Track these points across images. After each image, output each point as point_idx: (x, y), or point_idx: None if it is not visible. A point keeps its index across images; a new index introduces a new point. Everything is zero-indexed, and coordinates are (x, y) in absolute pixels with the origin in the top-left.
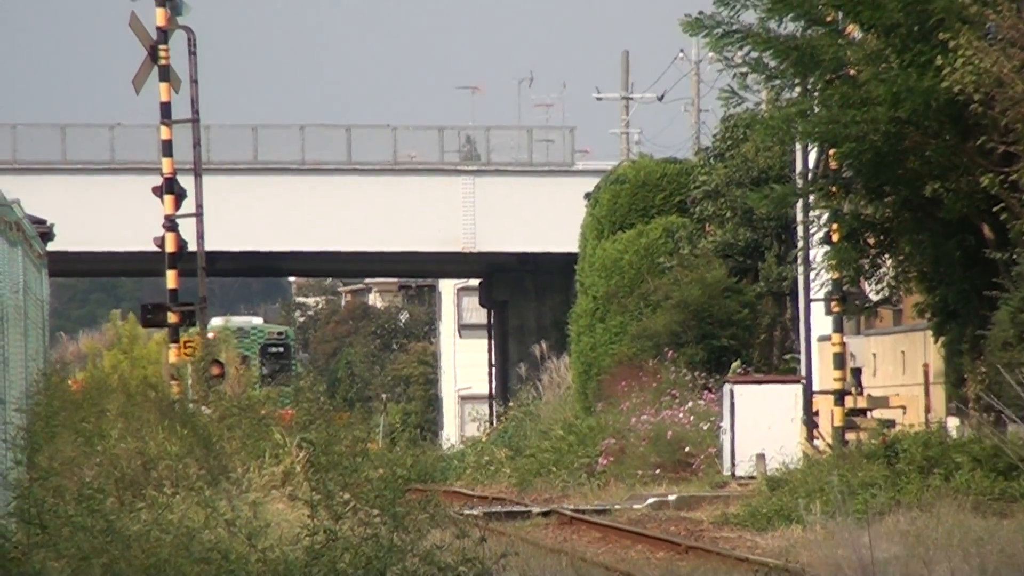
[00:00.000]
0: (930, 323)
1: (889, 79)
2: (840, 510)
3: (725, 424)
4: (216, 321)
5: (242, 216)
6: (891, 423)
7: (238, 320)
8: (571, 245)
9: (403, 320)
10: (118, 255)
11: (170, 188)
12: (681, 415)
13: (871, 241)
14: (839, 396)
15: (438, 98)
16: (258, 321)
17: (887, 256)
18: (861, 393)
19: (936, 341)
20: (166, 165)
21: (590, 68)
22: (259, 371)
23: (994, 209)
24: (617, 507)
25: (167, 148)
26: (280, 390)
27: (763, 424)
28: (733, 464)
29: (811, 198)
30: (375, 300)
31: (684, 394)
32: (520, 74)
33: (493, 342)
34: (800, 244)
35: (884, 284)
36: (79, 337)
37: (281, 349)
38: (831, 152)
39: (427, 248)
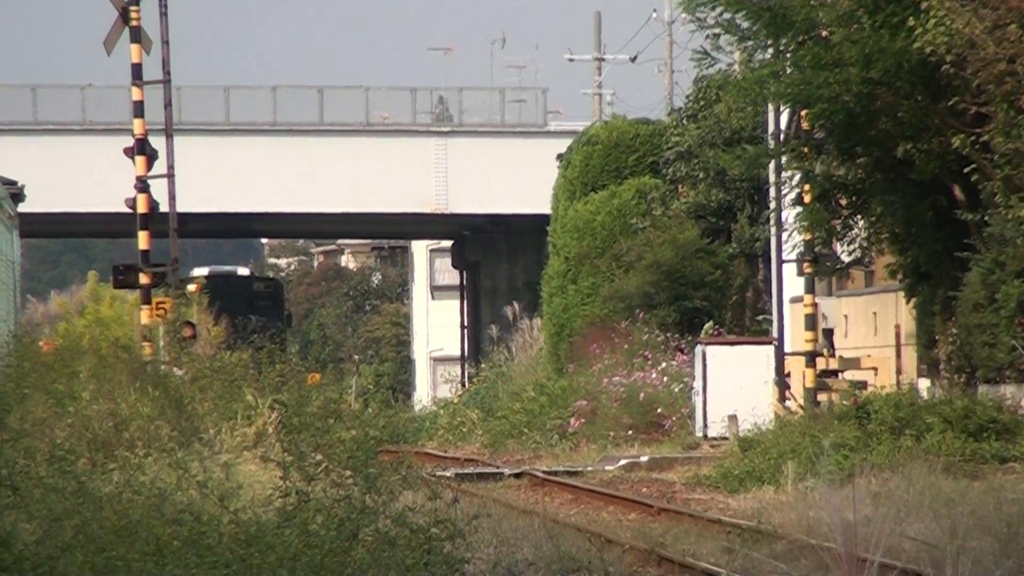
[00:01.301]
0: (902, 284)
1: (861, 40)
2: (812, 471)
3: (697, 385)
4: (200, 270)
5: (214, 177)
6: (863, 384)
7: (223, 270)
8: (543, 206)
9: (375, 281)
10: (89, 216)
11: (142, 149)
12: (653, 376)
13: (843, 202)
14: (811, 357)
15: (410, 59)
16: (245, 271)
17: (859, 217)
18: (833, 354)
19: (908, 302)
20: (137, 126)
21: (562, 29)
22: (247, 326)
23: (965, 170)
24: (589, 468)
25: (139, 109)
26: (269, 349)
27: (735, 385)
28: (705, 425)
29: (783, 159)
30: (347, 261)
31: (656, 355)
32: (492, 35)
33: (465, 303)
34: (772, 205)
35: (856, 245)
36: (49, 299)
37: (270, 302)
38: (803, 113)
39: (399, 209)
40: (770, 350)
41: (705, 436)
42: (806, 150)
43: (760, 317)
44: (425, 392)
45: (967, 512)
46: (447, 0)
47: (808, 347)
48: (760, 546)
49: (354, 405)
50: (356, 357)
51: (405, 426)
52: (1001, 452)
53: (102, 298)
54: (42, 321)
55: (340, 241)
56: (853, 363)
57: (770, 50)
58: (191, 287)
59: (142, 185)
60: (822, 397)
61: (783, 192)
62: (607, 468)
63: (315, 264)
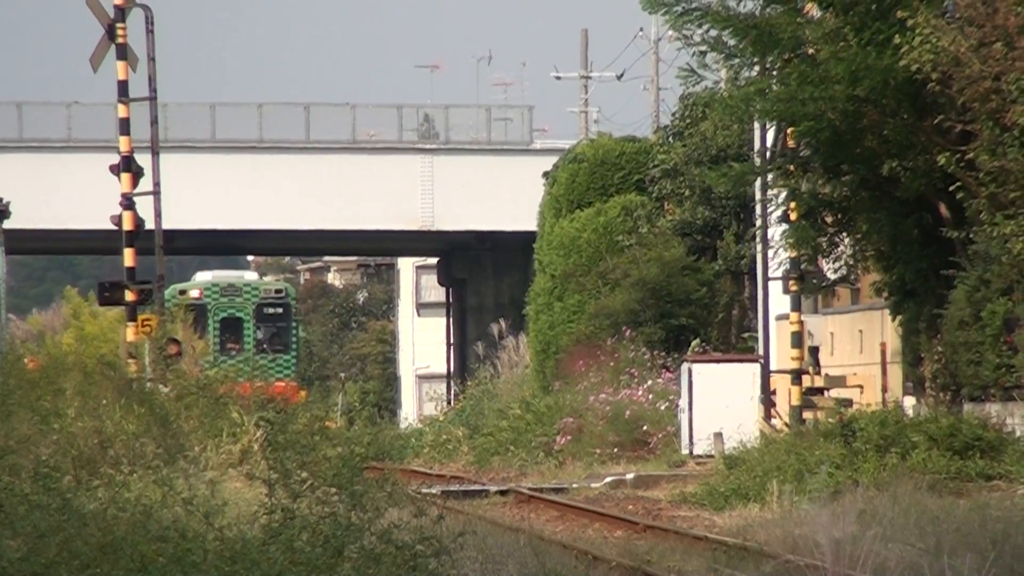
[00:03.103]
0: (887, 302)
1: (847, 57)
2: (797, 489)
3: (683, 403)
4: (203, 276)
5: (200, 194)
6: (848, 402)
7: (228, 275)
8: (530, 223)
9: (362, 299)
10: (75, 233)
11: (127, 166)
12: (639, 394)
13: (829, 220)
14: (796, 375)
15: (397, 76)
16: (252, 276)
17: (845, 235)
18: (818, 372)
19: (893, 320)
20: (123, 143)
21: (549, 47)
22: (253, 336)
23: (951, 188)
24: (575, 486)
25: (124, 126)
26: (277, 359)
27: (721, 403)
28: (691, 443)
29: (769, 177)
30: (334, 279)
31: (642, 373)
32: (479, 53)
33: (451, 321)
34: (758, 223)
35: (842, 263)
36: (29, 316)
37: (280, 310)
38: (789, 131)
39: (386, 227)
40: (756, 368)
41: (691, 454)
42: (792, 168)
43: (746, 335)
44: (411, 409)
45: (952, 529)
46: (434, 18)
47: (794, 365)
48: (746, 564)
49: (340, 422)
50: (342, 374)
51: (391, 443)
52: (986, 470)
53: (81, 314)
54: (26, 338)
55: (326, 258)
56: (839, 381)
57: (756, 68)
58: (194, 292)
59: (128, 202)
60: (808, 415)
61: (769, 210)
62: (593, 485)
63: (301, 281)
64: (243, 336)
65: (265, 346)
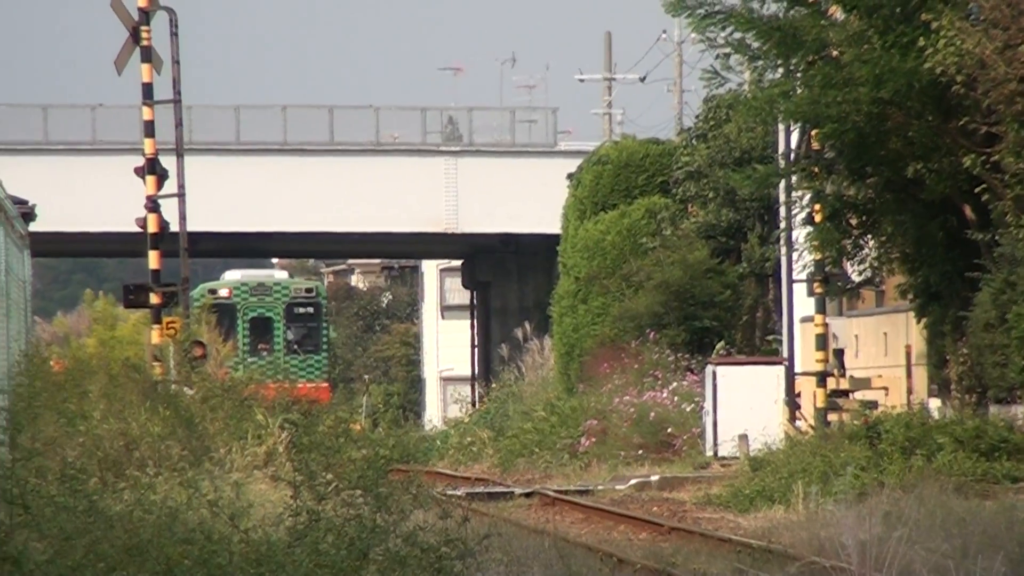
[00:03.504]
0: (912, 304)
1: (871, 60)
2: (822, 491)
3: (708, 405)
4: (232, 275)
5: (224, 197)
6: (873, 404)
7: (258, 274)
8: (554, 226)
9: (385, 301)
10: (100, 235)
11: (152, 169)
12: (664, 396)
13: (853, 222)
14: (821, 377)
15: (420, 79)
16: (283, 275)
17: (869, 237)
18: (843, 374)
19: (918, 322)
20: (148, 146)
21: (573, 49)
22: (283, 336)
23: (976, 190)
24: (599, 488)
25: (149, 128)
26: (308, 359)
27: (745, 405)
28: (716, 445)
29: (793, 179)
30: (357, 281)
31: (666, 375)
32: (503, 55)
33: (476, 323)
34: (782, 225)
35: (866, 265)
36: (54, 318)
37: (311, 309)
38: (813, 133)
39: (409, 229)
40: (780, 370)
41: (715, 456)
42: (816, 170)
43: (770, 337)
44: (435, 412)
45: (979, 532)
46: (457, 20)
47: (819, 367)
48: (771, 565)
49: (364, 425)
50: (366, 377)
51: (415, 446)
52: (1012, 472)
53: (110, 318)
54: (52, 340)
55: (350, 261)
56: (864, 383)
57: (780, 70)
58: (223, 291)
59: (153, 205)
60: (833, 417)
61: (793, 212)
62: (618, 487)
63: (325, 284)
64: (273, 336)
65: (296, 346)
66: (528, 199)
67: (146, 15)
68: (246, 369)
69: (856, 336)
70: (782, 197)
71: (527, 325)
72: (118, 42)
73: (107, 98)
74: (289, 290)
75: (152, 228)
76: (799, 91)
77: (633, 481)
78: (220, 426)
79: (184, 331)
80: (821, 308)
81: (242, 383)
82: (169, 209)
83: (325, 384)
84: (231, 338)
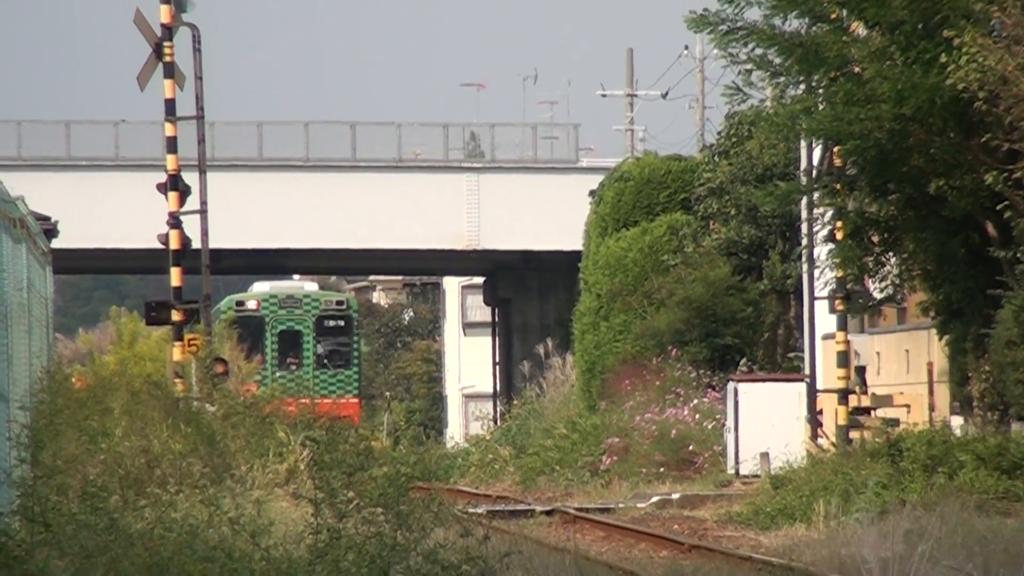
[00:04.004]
0: (934, 321)
1: (893, 76)
2: (844, 509)
3: (729, 423)
4: (260, 287)
5: (246, 213)
6: (895, 422)
7: (287, 286)
8: (575, 243)
9: (407, 318)
10: (122, 252)
11: (174, 185)
12: (685, 413)
13: (875, 239)
14: (843, 394)
15: (442, 95)
16: (313, 287)
17: (891, 254)
18: (865, 392)
19: (940, 339)
20: (170, 162)
21: (594, 65)
22: (312, 350)
23: (998, 207)
24: (621, 505)
25: (172, 145)
26: (338, 374)
27: (767, 423)
28: (737, 463)
29: (815, 195)
30: (379, 298)
31: (688, 392)
32: (524, 71)
33: (497, 340)
34: (804, 242)
35: (888, 282)
36: (77, 335)
37: (341, 323)
38: (835, 149)
39: (431, 245)
40: (802, 387)
41: (737, 473)
42: (838, 186)
43: (792, 354)
44: (457, 429)
45: (1000, 550)
46: (479, 36)
47: (840, 384)
48: None
49: (386, 442)
50: (388, 394)
51: (437, 463)
52: None
53: (131, 335)
54: (73, 357)
55: (372, 277)
56: (886, 400)
57: (802, 86)
58: (251, 303)
59: (175, 221)
60: (854, 435)
61: (815, 229)
62: (639, 505)
63: None
64: (302, 350)
65: (326, 361)
66: (550, 216)
67: (169, 31)
68: (274, 384)
69: (878, 353)
70: (804, 214)
71: (549, 342)
72: (141, 58)
73: (130, 114)
74: (319, 303)
75: (174, 244)
76: (821, 107)
77: (654, 499)
78: (241, 443)
79: (206, 348)
80: (843, 325)
81: (263, 400)
82: (191, 225)
83: (355, 400)
84: (259, 352)
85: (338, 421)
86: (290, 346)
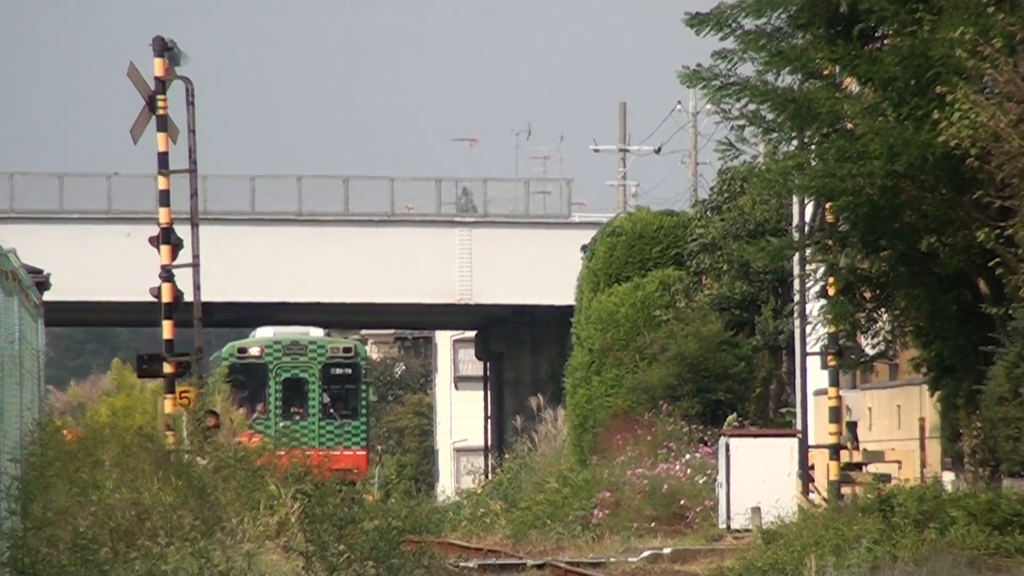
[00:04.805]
0: (926, 378)
1: (886, 132)
2: (835, 564)
3: (721, 477)
4: (264, 332)
5: (239, 266)
6: (887, 477)
7: (291, 331)
8: (567, 297)
9: (399, 372)
10: (114, 305)
11: (167, 238)
12: (677, 468)
13: (867, 295)
14: (835, 450)
15: (435, 150)
16: (318, 333)
17: (883, 310)
18: (857, 447)
19: (932, 395)
20: (163, 215)
21: (587, 120)
22: (318, 399)
23: (990, 264)
24: (612, 560)
25: (164, 198)
26: (345, 425)
27: (759, 477)
28: (729, 517)
29: (807, 251)
30: (371, 351)
31: (680, 447)
32: (517, 126)
33: (489, 394)
34: (796, 298)
35: (880, 338)
36: (68, 388)
37: (349, 370)
38: (828, 205)
39: (423, 300)
40: (794, 442)
41: (728, 528)
42: (830, 243)
43: (784, 409)
44: (448, 483)
45: None
46: (472, 91)
47: (832, 440)
48: None
49: (377, 495)
50: (379, 447)
51: (428, 516)
52: None
53: (125, 386)
54: (65, 409)
55: (363, 331)
56: (877, 456)
57: (795, 142)
58: (254, 349)
59: (167, 274)
60: (846, 490)
61: (807, 285)
62: (630, 560)
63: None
64: (308, 399)
65: (332, 411)
66: (542, 270)
67: (162, 84)
68: (277, 434)
69: (870, 409)
70: (796, 270)
71: (540, 396)
72: (134, 111)
73: (123, 167)
74: (326, 349)
75: (166, 298)
76: (813, 163)
77: (646, 553)
78: (232, 496)
79: (198, 401)
80: (835, 381)
81: (255, 453)
82: (183, 279)
83: (363, 452)
84: (261, 401)
85: (341, 474)
86: (294, 395)
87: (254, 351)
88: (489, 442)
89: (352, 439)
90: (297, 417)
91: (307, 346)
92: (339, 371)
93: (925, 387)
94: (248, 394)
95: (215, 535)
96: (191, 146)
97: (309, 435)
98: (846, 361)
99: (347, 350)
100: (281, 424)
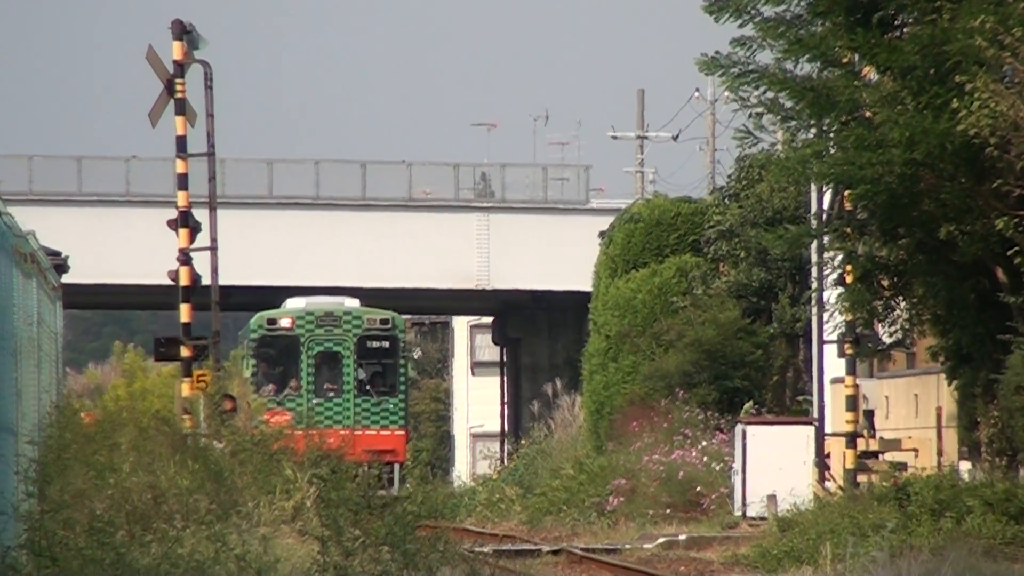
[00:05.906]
0: (943, 366)
1: (905, 121)
2: (851, 552)
3: (737, 465)
4: (295, 302)
5: (256, 250)
6: (903, 466)
7: (324, 301)
8: (585, 283)
9: (416, 357)
10: (132, 288)
11: (185, 221)
12: (693, 455)
13: (885, 283)
14: (851, 438)
15: (453, 135)
16: (353, 303)
17: (901, 298)
18: (873, 436)
19: (949, 384)
20: (181, 198)
21: (605, 106)
22: (353, 375)
23: (1008, 252)
24: (627, 546)
25: (182, 181)
26: (382, 402)
27: (775, 465)
28: (744, 505)
29: (825, 239)
30: None
31: (696, 434)
32: (536, 112)
33: (506, 379)
34: (814, 285)
35: (897, 327)
36: (86, 370)
37: (386, 344)
38: (846, 193)
39: (441, 285)
40: (810, 430)
41: (744, 515)
42: (848, 231)
43: (800, 397)
44: (464, 468)
45: None
46: (491, 76)
47: (849, 428)
48: None
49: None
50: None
51: (443, 502)
52: None
53: (139, 371)
54: (83, 392)
55: None
56: (894, 444)
57: (813, 130)
58: (285, 321)
59: (185, 258)
60: (862, 478)
61: (825, 272)
62: (645, 546)
63: None
64: (342, 375)
65: (368, 387)
66: (559, 256)
67: (181, 68)
68: (309, 412)
69: (886, 397)
70: (814, 258)
71: (557, 382)
72: (152, 94)
73: (141, 150)
74: (362, 321)
75: (184, 281)
76: (832, 152)
77: (661, 540)
78: (248, 480)
79: (214, 384)
80: (852, 369)
81: (271, 437)
82: (201, 262)
83: (401, 432)
84: (293, 376)
85: (376, 456)
86: (328, 370)
87: (285, 322)
88: (505, 428)
89: (390, 417)
90: (331, 394)
91: (341, 317)
92: (376, 344)
93: (942, 376)
94: (278, 369)
95: (231, 519)
96: (209, 130)
97: (344, 413)
98: (863, 349)
99: (384, 321)
100: (314, 401)
